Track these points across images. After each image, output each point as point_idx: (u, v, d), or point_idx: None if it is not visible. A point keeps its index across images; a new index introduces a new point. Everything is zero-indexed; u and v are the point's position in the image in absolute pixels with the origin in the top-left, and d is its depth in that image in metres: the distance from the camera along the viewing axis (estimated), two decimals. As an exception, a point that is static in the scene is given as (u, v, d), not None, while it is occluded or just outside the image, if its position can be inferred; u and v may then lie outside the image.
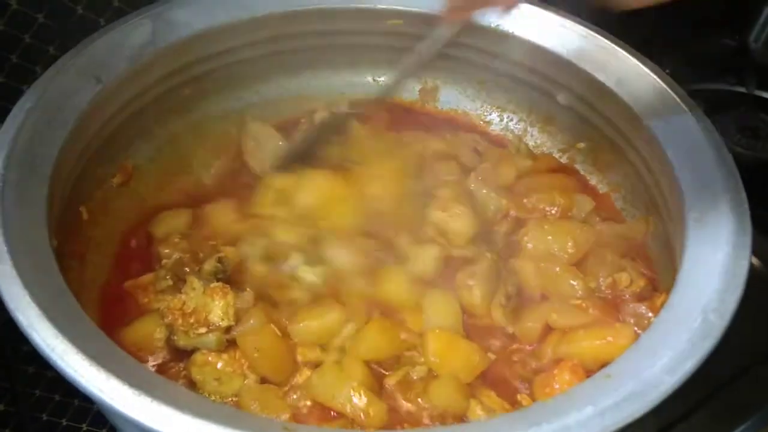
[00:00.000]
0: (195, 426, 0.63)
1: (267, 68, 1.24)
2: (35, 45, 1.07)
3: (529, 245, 1.04)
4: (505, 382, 0.92)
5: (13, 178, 0.82)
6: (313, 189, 1.05)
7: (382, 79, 1.32)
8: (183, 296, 0.92)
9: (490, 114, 1.30)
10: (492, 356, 0.93)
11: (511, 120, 1.29)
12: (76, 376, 0.66)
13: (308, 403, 0.86)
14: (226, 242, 1.02)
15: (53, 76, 0.94)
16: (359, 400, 0.84)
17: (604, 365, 0.75)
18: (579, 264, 1.02)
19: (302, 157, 1.12)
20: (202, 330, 0.89)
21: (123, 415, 0.64)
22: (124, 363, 0.69)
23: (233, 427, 0.62)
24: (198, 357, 0.89)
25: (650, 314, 0.92)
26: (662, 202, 1.01)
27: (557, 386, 0.88)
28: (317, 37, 1.22)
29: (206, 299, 0.91)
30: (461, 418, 0.85)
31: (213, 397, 0.88)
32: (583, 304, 0.96)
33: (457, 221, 1.04)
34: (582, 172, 1.21)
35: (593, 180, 1.20)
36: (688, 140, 0.97)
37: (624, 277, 0.99)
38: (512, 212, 1.09)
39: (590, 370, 0.87)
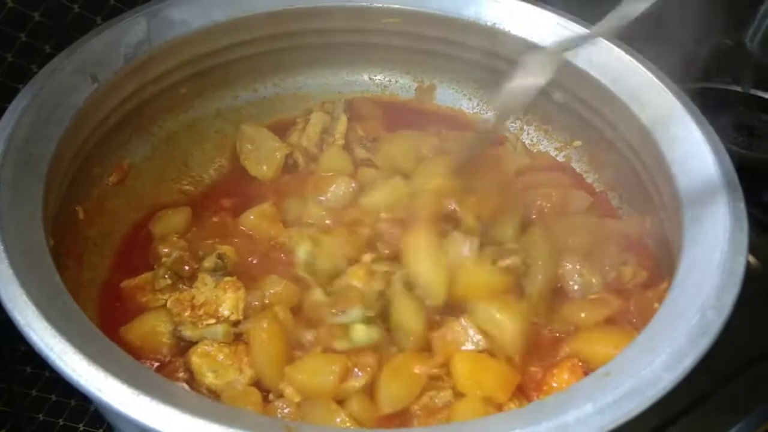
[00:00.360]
0: (195, 425, 0.62)
1: (263, 67, 1.24)
2: (31, 43, 1.07)
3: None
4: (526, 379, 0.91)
5: (8, 177, 0.81)
6: None
7: (379, 78, 1.32)
8: (193, 290, 0.93)
9: (487, 113, 1.30)
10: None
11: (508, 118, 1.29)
12: (75, 375, 0.65)
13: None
14: (225, 242, 1.02)
15: (49, 74, 0.94)
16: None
17: None
18: (588, 259, 1.02)
19: None
20: (211, 321, 0.91)
21: (122, 415, 0.63)
22: (122, 362, 0.68)
23: (234, 426, 0.62)
24: (200, 347, 0.89)
25: (656, 304, 0.90)
26: (659, 200, 1.01)
27: (555, 385, 0.88)
28: (313, 35, 1.21)
29: (218, 292, 0.92)
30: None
31: (205, 389, 0.88)
32: (603, 297, 0.97)
33: None
34: (578, 171, 1.22)
35: (589, 178, 1.20)
36: (684, 138, 0.97)
37: (627, 271, 1.00)
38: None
39: (592, 370, 0.86)
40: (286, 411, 0.84)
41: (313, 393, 0.85)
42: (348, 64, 1.29)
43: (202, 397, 0.80)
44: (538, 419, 0.64)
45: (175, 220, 1.08)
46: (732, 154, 0.94)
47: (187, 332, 0.91)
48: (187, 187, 1.19)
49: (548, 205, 1.09)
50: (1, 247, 0.73)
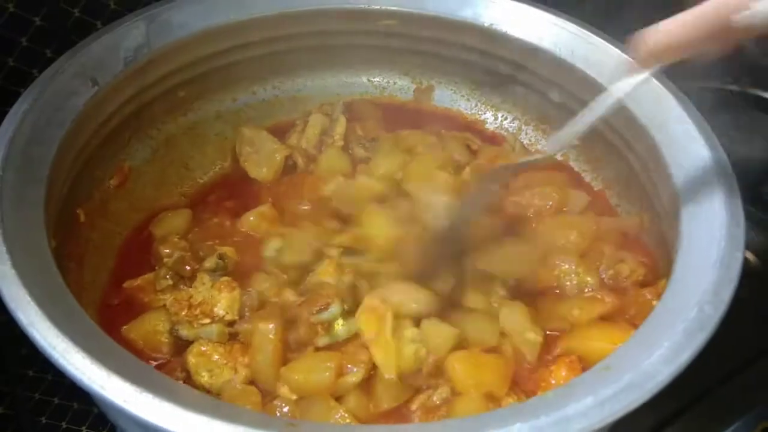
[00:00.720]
0: (197, 422, 0.63)
1: (262, 69, 1.24)
2: (32, 48, 1.07)
3: (534, 239, 1.05)
4: (525, 378, 0.93)
5: (10, 180, 0.82)
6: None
7: (377, 79, 1.33)
8: (191, 290, 0.94)
9: (485, 113, 1.31)
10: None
11: (506, 119, 1.30)
12: (78, 373, 0.65)
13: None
14: (225, 243, 1.03)
15: (49, 78, 0.94)
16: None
17: None
18: (581, 257, 1.02)
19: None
20: (206, 321, 0.92)
21: (125, 412, 0.64)
22: (124, 360, 0.69)
23: (236, 423, 0.63)
24: (196, 347, 0.90)
25: (654, 301, 0.92)
26: (656, 197, 1.01)
27: (553, 382, 0.89)
28: (312, 38, 1.22)
29: (213, 292, 0.94)
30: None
31: (202, 389, 0.89)
32: (598, 295, 0.97)
33: None
34: (576, 170, 1.22)
35: (588, 177, 1.21)
36: (681, 136, 0.97)
37: (625, 268, 1.00)
38: (508, 209, 1.10)
39: (589, 366, 0.87)
40: (285, 410, 0.85)
41: (310, 391, 0.86)
42: (346, 66, 1.30)
43: (205, 395, 0.81)
44: (537, 413, 0.65)
45: (175, 221, 1.09)
46: (730, 153, 0.94)
47: (184, 331, 0.92)
48: (187, 190, 1.20)
49: (546, 204, 1.09)
50: (4, 248, 0.74)
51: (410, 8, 1.19)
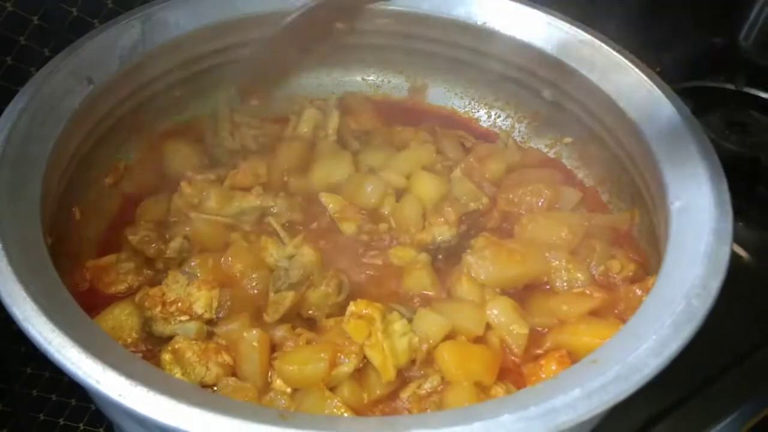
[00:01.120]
0: (191, 414, 0.64)
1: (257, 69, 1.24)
2: (30, 47, 1.08)
3: (525, 236, 1.05)
4: (515, 372, 0.94)
5: (6, 177, 0.83)
6: None
7: (371, 78, 1.34)
8: (163, 287, 0.95)
9: (478, 111, 1.32)
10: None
11: (499, 117, 1.31)
12: (74, 368, 0.66)
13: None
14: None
15: (45, 76, 0.95)
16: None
17: None
18: (571, 254, 1.03)
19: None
20: (184, 318, 0.92)
21: (120, 406, 0.65)
22: (120, 355, 0.70)
23: (229, 414, 0.63)
24: (173, 343, 0.90)
25: (644, 297, 0.92)
26: (647, 193, 1.02)
27: (543, 376, 0.89)
28: (306, 36, 1.22)
29: (191, 290, 0.94)
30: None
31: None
32: (587, 291, 0.98)
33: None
34: (569, 167, 1.23)
35: (580, 174, 1.22)
36: (670, 132, 0.98)
37: (615, 264, 1.01)
38: (500, 206, 1.11)
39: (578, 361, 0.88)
40: (281, 403, 0.86)
41: (305, 383, 0.87)
42: (341, 64, 1.31)
43: (198, 388, 0.82)
44: (526, 404, 0.66)
45: (156, 207, 1.10)
46: (725, 152, 0.95)
47: (159, 328, 0.93)
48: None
49: (538, 201, 1.10)
50: (0, 245, 0.74)
51: (404, 7, 1.20)
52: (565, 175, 1.21)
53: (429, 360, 0.91)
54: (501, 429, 0.64)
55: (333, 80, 1.33)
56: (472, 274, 0.99)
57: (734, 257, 0.82)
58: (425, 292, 1.01)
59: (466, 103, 1.33)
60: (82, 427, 1.09)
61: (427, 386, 0.89)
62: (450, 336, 0.92)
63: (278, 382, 0.88)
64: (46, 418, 1.10)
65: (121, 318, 0.94)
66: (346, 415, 0.83)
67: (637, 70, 1.06)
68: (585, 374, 0.70)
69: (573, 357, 0.91)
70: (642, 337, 0.72)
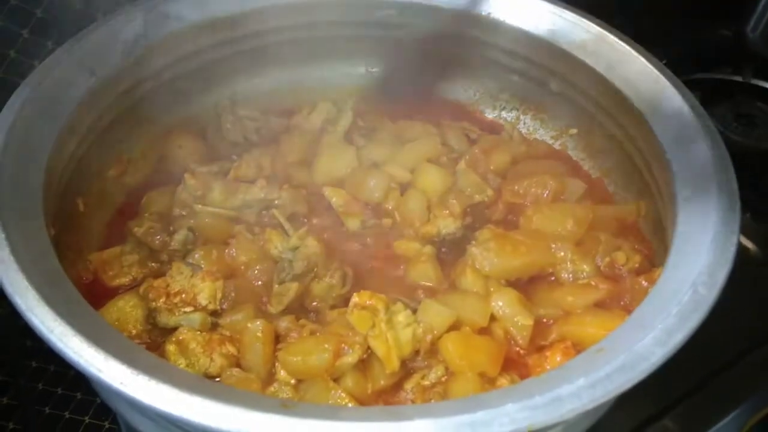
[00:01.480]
0: (193, 403, 0.63)
1: (260, 61, 1.24)
2: (34, 40, 1.08)
3: (530, 227, 1.05)
4: (520, 364, 0.93)
5: (9, 168, 0.83)
6: None
7: (376, 70, 1.33)
8: (167, 278, 0.95)
9: (484, 102, 1.32)
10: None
11: (504, 108, 1.30)
12: (76, 356, 0.66)
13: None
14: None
15: (48, 68, 0.95)
16: None
17: None
18: (577, 245, 1.02)
19: None
20: (188, 309, 0.93)
21: (122, 394, 0.64)
22: (121, 344, 0.70)
23: (231, 403, 0.63)
24: (177, 334, 0.91)
25: (650, 288, 0.91)
26: (653, 183, 1.02)
27: (549, 367, 0.89)
28: (311, 28, 1.22)
29: (195, 281, 0.94)
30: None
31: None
32: (592, 282, 0.97)
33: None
34: (575, 158, 1.23)
35: (586, 165, 1.21)
36: (677, 122, 0.98)
37: (620, 256, 1.01)
38: (505, 197, 1.10)
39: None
40: (285, 394, 0.86)
41: (309, 374, 0.87)
42: (346, 57, 1.30)
43: (200, 377, 0.82)
44: (530, 393, 0.65)
45: (161, 199, 1.10)
46: (732, 144, 0.95)
47: (163, 319, 0.93)
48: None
49: (543, 192, 1.09)
50: (2, 235, 0.74)
51: (408, -2, 1.19)
52: (570, 166, 1.20)
53: (433, 351, 0.90)
54: (505, 418, 0.63)
55: (337, 72, 1.32)
56: (477, 266, 0.99)
57: (740, 249, 0.81)
58: (429, 284, 1.01)
59: (471, 95, 1.32)
60: (87, 421, 1.09)
61: (432, 377, 0.88)
62: (454, 327, 0.92)
63: (282, 373, 0.88)
64: (52, 412, 1.10)
65: (126, 309, 0.94)
66: (350, 405, 0.83)
67: (644, 60, 1.05)
68: (590, 363, 0.69)
69: (578, 348, 0.90)
70: (648, 327, 0.72)
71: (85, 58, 0.99)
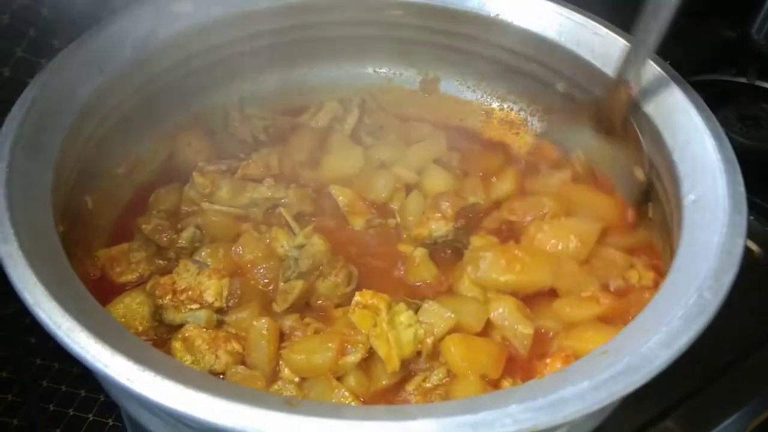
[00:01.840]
0: (198, 399, 0.64)
1: (268, 60, 1.25)
2: (40, 39, 1.08)
3: (535, 242, 1.03)
4: (523, 368, 0.93)
5: (19, 165, 0.83)
6: None
7: (383, 70, 1.33)
8: (174, 275, 0.95)
9: (491, 104, 1.32)
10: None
11: (512, 109, 1.31)
12: (83, 352, 0.66)
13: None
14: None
15: (57, 66, 0.95)
16: None
17: None
18: (587, 265, 1.01)
19: None
20: (194, 306, 0.93)
21: (128, 390, 0.65)
22: (128, 340, 0.70)
23: (236, 400, 0.63)
24: (182, 332, 0.91)
25: None
26: (660, 186, 1.01)
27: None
28: (318, 28, 1.23)
29: (201, 278, 0.95)
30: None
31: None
32: (594, 296, 0.97)
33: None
34: (582, 160, 1.21)
35: (593, 167, 1.20)
36: (685, 125, 0.97)
37: (634, 275, 1.00)
38: (503, 214, 1.09)
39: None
40: (289, 392, 0.86)
41: (312, 372, 0.87)
42: (353, 56, 1.31)
43: (206, 374, 0.82)
44: (534, 394, 0.65)
45: (169, 197, 1.11)
46: (737, 145, 0.94)
47: (169, 316, 0.94)
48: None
49: (541, 212, 1.07)
50: (11, 230, 0.75)
51: (416, -1, 1.19)
52: (578, 168, 1.19)
53: (435, 353, 0.91)
54: (508, 419, 0.63)
55: (344, 72, 1.32)
56: (472, 277, 0.99)
57: (746, 251, 0.81)
58: (428, 284, 1.02)
59: (478, 96, 1.32)
60: (91, 418, 1.10)
61: (433, 379, 0.89)
62: (455, 330, 0.92)
63: (286, 371, 0.88)
64: (56, 409, 1.10)
65: (133, 306, 0.94)
66: (353, 404, 0.83)
67: (651, 62, 1.05)
68: (594, 365, 0.69)
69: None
70: (653, 330, 0.71)
71: (94, 57, 0.99)
